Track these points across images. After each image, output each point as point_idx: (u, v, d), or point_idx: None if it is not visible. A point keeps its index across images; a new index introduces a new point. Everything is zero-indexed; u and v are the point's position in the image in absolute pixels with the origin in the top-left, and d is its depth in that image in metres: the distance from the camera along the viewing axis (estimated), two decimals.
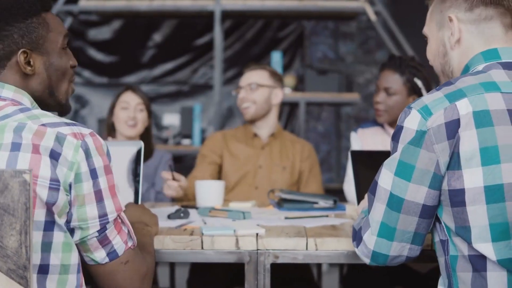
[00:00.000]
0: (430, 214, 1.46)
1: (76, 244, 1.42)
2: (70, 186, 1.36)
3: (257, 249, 1.79)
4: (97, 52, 6.10)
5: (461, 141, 1.38)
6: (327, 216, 2.25)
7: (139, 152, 2.06)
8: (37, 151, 1.33)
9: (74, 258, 1.40)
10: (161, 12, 5.14)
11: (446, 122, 1.39)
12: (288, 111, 6.06)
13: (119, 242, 1.44)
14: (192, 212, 2.30)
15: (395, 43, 5.06)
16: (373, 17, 4.89)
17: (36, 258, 1.33)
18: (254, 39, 6.03)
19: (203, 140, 4.99)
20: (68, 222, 1.39)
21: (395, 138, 1.47)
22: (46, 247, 1.34)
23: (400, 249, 1.50)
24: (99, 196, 1.39)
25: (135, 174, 2.03)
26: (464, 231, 1.40)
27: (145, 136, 3.11)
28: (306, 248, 1.78)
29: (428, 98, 1.44)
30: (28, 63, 1.47)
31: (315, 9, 4.91)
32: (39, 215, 1.33)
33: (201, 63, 6.07)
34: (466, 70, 1.52)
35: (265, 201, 2.78)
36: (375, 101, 2.80)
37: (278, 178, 2.94)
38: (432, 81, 2.86)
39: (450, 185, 1.40)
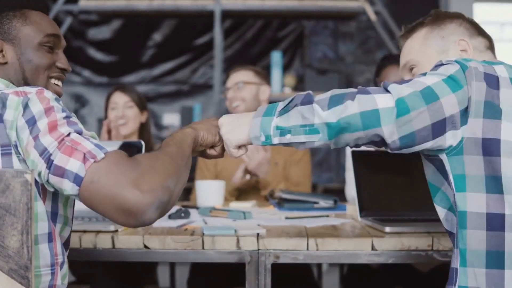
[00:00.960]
0: (437, 132, 1.40)
1: (53, 193, 1.40)
2: (16, 145, 1.35)
3: (258, 249, 1.79)
4: (97, 52, 6.09)
5: (501, 95, 1.40)
6: (327, 216, 2.26)
7: (139, 151, 2.06)
8: None
9: (41, 228, 1.39)
10: (161, 12, 5.14)
11: (485, 72, 1.42)
12: None
13: (76, 164, 1.28)
14: (192, 212, 2.30)
15: (394, 43, 5.06)
16: (373, 17, 4.89)
17: None
18: (254, 39, 6.03)
19: None
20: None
21: (434, 69, 1.46)
22: None
23: (424, 118, 1.38)
24: (35, 138, 1.32)
25: None
26: (494, 182, 1.39)
27: (142, 132, 3.13)
28: (307, 248, 1.79)
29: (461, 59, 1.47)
30: (0, 51, 1.54)
31: (315, 9, 4.91)
32: None
33: (201, 62, 6.07)
34: None
35: (264, 203, 2.79)
36: None
37: (270, 173, 2.94)
38: None
39: (485, 133, 1.39)
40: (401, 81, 1.43)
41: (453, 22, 1.64)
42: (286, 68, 5.81)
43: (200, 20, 5.81)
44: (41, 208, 1.40)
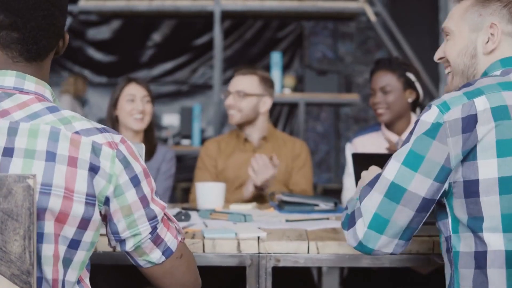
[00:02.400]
0: (427, 208, 1.48)
1: (128, 252, 1.42)
2: (107, 199, 1.33)
3: (259, 253, 1.79)
4: (96, 52, 6.10)
5: (478, 134, 1.41)
6: (327, 218, 2.25)
7: (140, 155, 2.05)
8: (74, 164, 1.29)
9: (85, 274, 1.41)
10: (160, 12, 5.14)
11: (463, 117, 1.43)
12: (287, 111, 6.06)
13: (171, 238, 1.43)
14: (193, 214, 2.30)
15: (394, 43, 5.07)
16: (373, 17, 4.89)
17: (55, 272, 1.30)
18: (253, 39, 6.03)
19: (202, 140, 4.99)
20: (113, 233, 1.38)
21: (411, 131, 1.49)
22: (67, 262, 1.32)
23: (387, 244, 1.51)
24: (145, 202, 1.37)
25: None
26: (475, 222, 1.43)
27: (149, 129, 3.02)
28: (308, 252, 1.79)
29: (447, 95, 1.49)
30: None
31: (315, 9, 4.91)
32: (68, 231, 1.30)
33: (200, 63, 6.07)
34: (483, 76, 1.57)
35: (264, 205, 2.79)
36: (373, 103, 2.81)
37: (272, 178, 2.92)
38: (428, 76, 2.90)
39: (465, 176, 1.43)
40: (369, 182, 1.53)
41: (499, 1, 1.59)
42: (285, 68, 5.81)
43: (200, 20, 5.81)
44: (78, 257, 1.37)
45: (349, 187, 2.77)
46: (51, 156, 1.28)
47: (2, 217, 1.20)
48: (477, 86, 1.48)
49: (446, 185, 1.46)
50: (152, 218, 1.38)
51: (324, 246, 1.79)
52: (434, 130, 1.44)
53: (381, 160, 1.86)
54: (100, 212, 1.35)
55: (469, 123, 1.42)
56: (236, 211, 2.34)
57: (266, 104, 2.97)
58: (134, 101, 2.91)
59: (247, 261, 1.79)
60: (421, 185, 1.45)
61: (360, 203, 1.52)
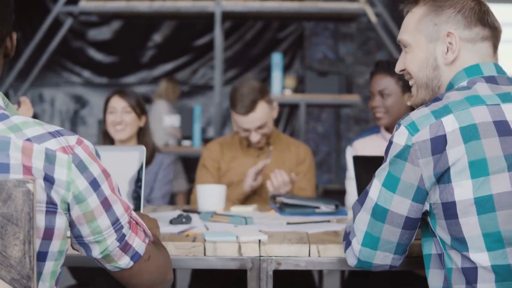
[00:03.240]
0: (413, 226, 1.51)
1: (97, 259, 1.40)
2: (68, 205, 1.29)
3: (260, 256, 1.79)
4: (97, 53, 6.10)
5: (449, 157, 1.41)
6: (328, 221, 2.25)
7: (141, 157, 2.05)
8: (29, 173, 1.24)
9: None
10: (161, 13, 5.14)
11: (432, 138, 1.42)
12: (288, 112, 6.06)
13: (139, 243, 1.41)
14: (193, 217, 2.30)
15: (395, 44, 5.06)
16: (373, 18, 4.89)
17: None
18: (254, 40, 6.03)
19: (203, 141, 4.98)
20: (76, 237, 1.34)
21: (386, 151, 1.52)
22: (36, 275, 1.26)
23: (383, 258, 1.55)
24: (106, 205, 1.33)
25: (137, 180, 2.02)
26: (459, 243, 1.44)
27: (141, 137, 3.12)
28: (309, 255, 1.78)
29: (415, 114, 1.47)
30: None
31: (315, 10, 4.91)
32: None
33: (201, 63, 6.07)
34: (449, 87, 1.54)
35: (265, 204, 2.78)
36: (372, 107, 2.80)
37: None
38: None
39: (442, 198, 1.44)
40: (361, 199, 1.56)
41: (452, 6, 1.54)
42: (286, 69, 5.81)
43: (200, 21, 5.81)
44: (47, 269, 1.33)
45: (351, 192, 2.76)
46: (4, 168, 1.24)
47: (2, 221, 1.19)
48: (445, 102, 1.45)
49: (427, 206, 1.48)
50: (115, 221, 1.34)
51: (325, 249, 1.78)
52: (405, 152, 1.45)
53: (381, 162, 1.86)
54: (71, 220, 1.31)
55: (438, 144, 1.42)
56: (237, 213, 2.34)
57: (275, 111, 2.97)
58: (114, 113, 3.09)
59: (248, 264, 1.79)
60: (401, 206, 1.48)
61: (353, 222, 1.57)
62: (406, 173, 1.46)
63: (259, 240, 1.82)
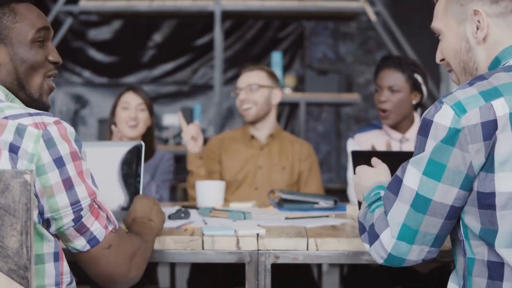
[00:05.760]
0: (455, 215, 1.41)
1: (56, 234, 1.41)
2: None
3: (258, 250, 1.79)
4: (97, 52, 6.10)
5: (497, 144, 1.33)
6: (327, 216, 2.25)
7: (139, 152, 2.06)
8: None
9: (47, 248, 1.38)
10: (161, 13, 5.14)
11: (482, 122, 1.34)
12: (288, 111, 6.06)
13: (98, 228, 1.40)
14: (192, 212, 2.30)
15: (395, 43, 5.06)
16: (373, 17, 4.89)
17: None
18: (254, 39, 6.03)
19: (203, 140, 4.98)
20: (41, 214, 1.36)
21: (424, 133, 1.40)
22: None
23: (418, 253, 1.44)
24: (68, 184, 1.34)
25: (135, 175, 2.02)
26: (489, 234, 1.36)
27: (147, 136, 3.10)
28: (307, 249, 1.78)
29: (460, 93, 1.38)
30: None
31: (315, 9, 4.91)
32: None
33: (201, 63, 6.07)
34: (495, 64, 1.47)
35: (265, 201, 2.78)
36: (379, 101, 2.78)
37: (278, 178, 2.94)
38: (429, 76, 2.89)
39: (480, 187, 1.36)
40: (391, 186, 1.47)
41: None
42: (286, 68, 5.81)
43: (200, 21, 5.81)
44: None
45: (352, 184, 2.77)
46: None
47: None
48: (493, 83, 1.37)
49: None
50: (75, 202, 1.35)
51: (323, 243, 1.79)
52: (452, 137, 1.35)
53: (380, 157, 1.86)
54: (34, 192, 1.33)
55: (489, 130, 1.33)
56: (236, 209, 2.34)
57: (277, 96, 3.01)
58: (128, 109, 3.05)
59: (246, 258, 1.79)
60: (447, 195, 1.38)
61: (386, 215, 1.45)
62: (453, 159, 1.35)
63: (257, 234, 1.82)
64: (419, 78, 2.76)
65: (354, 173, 2.18)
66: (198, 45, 6.06)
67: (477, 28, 1.47)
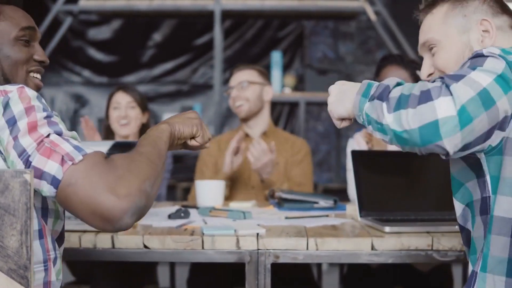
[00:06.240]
0: (493, 130, 1.33)
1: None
2: None
3: (258, 249, 1.79)
4: (96, 52, 6.09)
5: None
6: (327, 216, 2.25)
7: None
8: None
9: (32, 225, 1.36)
10: (161, 12, 5.15)
11: None
12: (288, 111, 6.06)
13: (54, 166, 1.28)
14: (192, 212, 2.30)
15: (395, 43, 5.06)
16: (373, 17, 4.89)
17: None
18: (254, 39, 6.03)
19: None
20: None
21: (470, 59, 1.37)
22: None
23: (455, 144, 1.30)
24: (16, 138, 1.32)
25: None
26: None
27: (142, 133, 3.12)
28: (307, 248, 1.78)
29: (492, 47, 1.39)
30: None
31: (315, 9, 4.92)
32: None
33: (201, 62, 6.07)
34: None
35: (262, 199, 2.79)
36: None
37: (272, 173, 2.93)
38: None
39: None
40: (453, 75, 1.33)
41: None
42: (286, 68, 5.81)
43: (200, 20, 5.81)
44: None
45: (353, 184, 2.76)
46: None
47: None
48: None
49: (495, 141, 1.34)
50: (21, 152, 1.31)
51: (323, 242, 1.79)
52: (509, 70, 1.33)
53: (380, 157, 1.87)
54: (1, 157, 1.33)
55: None
56: (236, 208, 2.34)
57: (268, 93, 3.05)
58: (118, 108, 3.10)
59: (246, 258, 1.79)
60: (503, 110, 1.31)
61: (450, 85, 1.30)
62: (509, 94, 1.32)
63: (257, 234, 1.82)
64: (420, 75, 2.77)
65: (355, 172, 2.19)
66: (198, 45, 6.05)
67: (482, 37, 1.51)
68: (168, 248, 1.79)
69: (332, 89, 1.59)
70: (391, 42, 4.96)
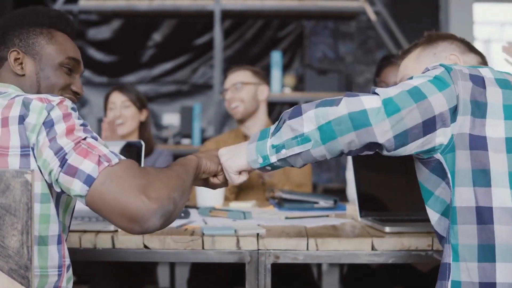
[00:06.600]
0: (429, 128, 1.43)
1: (61, 194, 1.43)
2: (33, 148, 1.37)
3: (258, 249, 1.79)
4: (96, 52, 6.09)
5: (487, 93, 1.45)
6: (327, 216, 2.26)
7: (139, 151, 2.06)
8: (6, 123, 1.37)
9: (52, 230, 1.41)
10: (160, 12, 5.14)
11: (470, 74, 1.47)
12: None
13: (90, 165, 1.32)
14: (192, 212, 2.30)
15: (395, 43, 5.06)
16: (373, 17, 4.89)
17: None
18: (253, 39, 6.03)
19: (202, 140, 4.99)
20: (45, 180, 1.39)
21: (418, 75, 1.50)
22: None
23: (385, 131, 1.41)
24: (53, 139, 1.36)
25: None
26: (481, 175, 1.42)
27: (141, 131, 3.13)
28: (307, 248, 1.79)
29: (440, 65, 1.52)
30: (20, 63, 1.56)
31: (315, 9, 4.91)
32: None
33: (200, 62, 6.06)
34: None
35: (263, 199, 2.79)
36: None
37: (274, 175, 2.93)
38: None
39: (471, 129, 1.43)
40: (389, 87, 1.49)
41: (445, 41, 1.74)
42: (286, 68, 5.81)
43: (200, 20, 5.81)
44: (53, 210, 1.42)
45: (352, 183, 2.77)
46: None
47: (0, 212, 1.20)
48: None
49: (445, 139, 1.44)
50: (58, 150, 1.35)
51: (323, 243, 1.79)
52: (446, 73, 1.46)
53: (380, 157, 1.87)
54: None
55: (478, 81, 1.46)
56: (236, 208, 2.34)
57: (264, 92, 3.04)
58: (114, 109, 3.11)
59: (247, 258, 1.79)
60: (439, 105, 1.42)
61: (378, 91, 1.45)
62: (445, 92, 1.44)
63: (257, 234, 1.82)
64: None
65: (355, 172, 2.19)
66: (198, 45, 6.05)
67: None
68: (168, 248, 1.80)
69: (221, 151, 1.66)
70: (391, 42, 4.96)
